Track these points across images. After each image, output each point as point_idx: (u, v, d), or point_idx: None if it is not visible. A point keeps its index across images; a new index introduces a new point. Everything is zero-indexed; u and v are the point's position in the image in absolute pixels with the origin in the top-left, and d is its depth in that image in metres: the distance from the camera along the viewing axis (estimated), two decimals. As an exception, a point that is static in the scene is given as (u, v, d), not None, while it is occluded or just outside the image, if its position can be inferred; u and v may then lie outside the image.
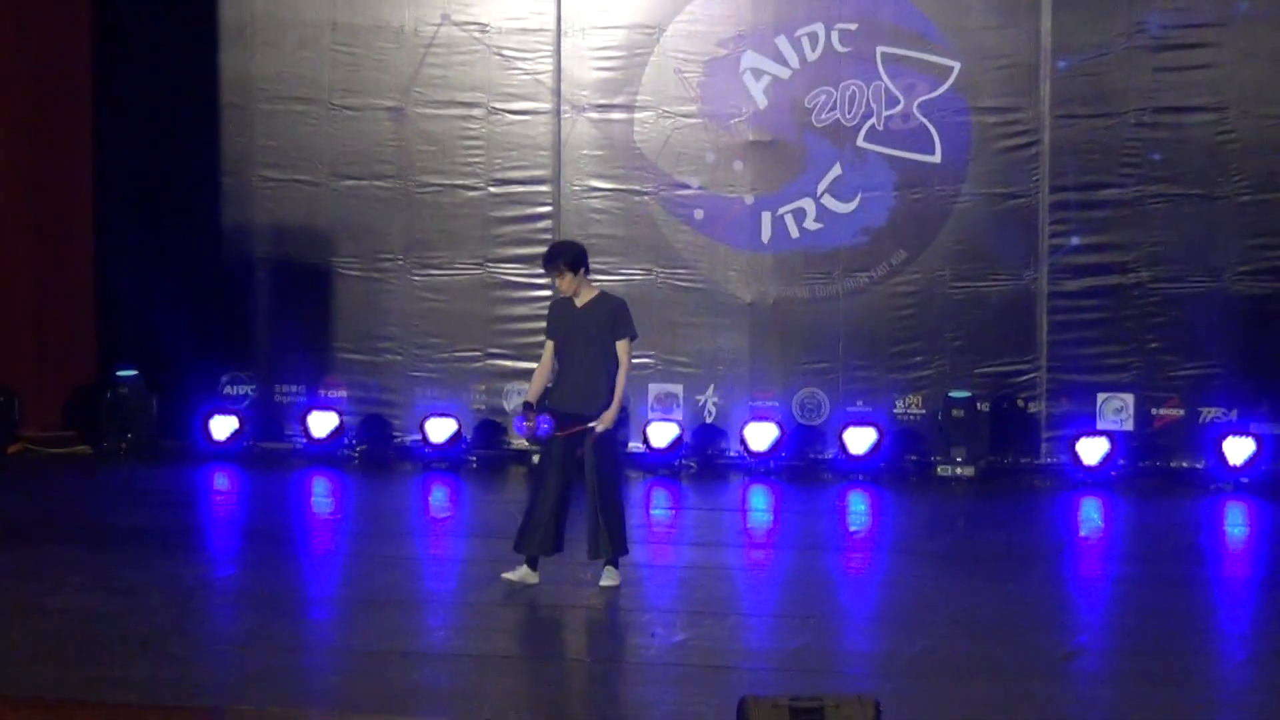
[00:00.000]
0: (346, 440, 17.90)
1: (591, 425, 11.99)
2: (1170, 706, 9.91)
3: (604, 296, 12.31)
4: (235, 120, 18.23)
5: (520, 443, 17.23)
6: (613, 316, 12.13)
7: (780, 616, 12.07)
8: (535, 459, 12.36)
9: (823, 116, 17.32)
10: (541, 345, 12.48)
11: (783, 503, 16.28)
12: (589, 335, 12.08)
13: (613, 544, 12.11)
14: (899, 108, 17.19)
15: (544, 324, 12.51)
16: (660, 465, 17.27)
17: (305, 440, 17.87)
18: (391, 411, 18.06)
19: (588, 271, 12.21)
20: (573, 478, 12.11)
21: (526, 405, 12.16)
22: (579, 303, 12.18)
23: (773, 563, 13.97)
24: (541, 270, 13.56)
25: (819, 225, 17.41)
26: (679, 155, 17.60)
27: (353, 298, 18.10)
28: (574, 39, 17.71)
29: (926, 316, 17.27)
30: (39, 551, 13.40)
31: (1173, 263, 16.82)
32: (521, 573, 12.17)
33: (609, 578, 12.14)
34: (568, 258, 12.13)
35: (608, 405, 12.05)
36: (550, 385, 12.31)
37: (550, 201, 17.81)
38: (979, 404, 16.91)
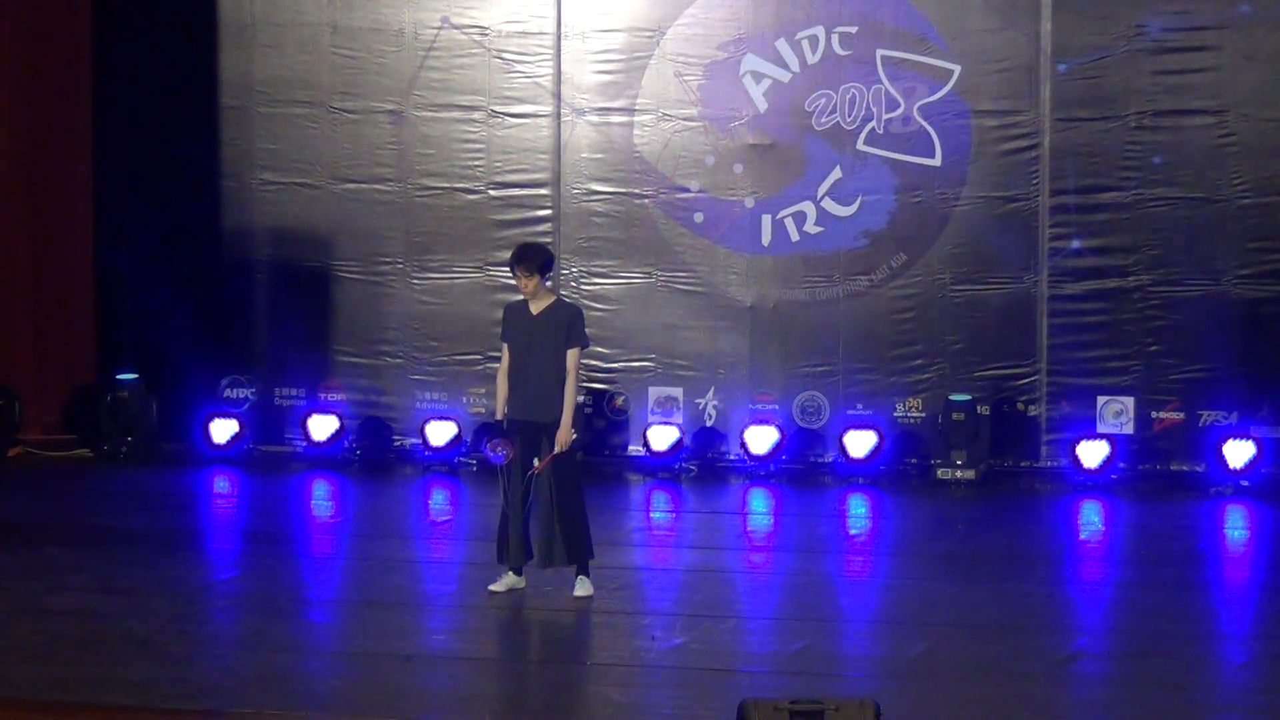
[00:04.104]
0: (346, 443, 17.90)
1: (556, 453, 11.93)
2: (1169, 709, 9.91)
3: (560, 304, 12.29)
4: (235, 123, 18.23)
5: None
6: (568, 324, 12.08)
7: (780, 619, 12.07)
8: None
9: (823, 120, 17.32)
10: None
11: (783, 506, 16.27)
12: (545, 343, 12.00)
13: (572, 552, 12.05)
14: (899, 111, 17.19)
15: None
16: (660, 468, 17.27)
17: (305, 443, 17.87)
18: (391, 415, 18.06)
19: (548, 280, 12.20)
20: (531, 486, 12.08)
21: (495, 430, 12.14)
22: (534, 310, 12.09)
23: (773, 566, 13.97)
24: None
25: (819, 228, 17.40)
26: (679, 158, 17.60)
27: (352, 301, 18.10)
28: (574, 42, 17.72)
29: (927, 320, 17.27)
30: (39, 553, 13.41)
31: (1173, 266, 16.82)
32: (508, 580, 12.19)
33: (582, 588, 12.10)
34: (540, 260, 12.09)
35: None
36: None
37: (550, 205, 17.81)
38: (979, 407, 16.90)
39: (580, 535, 12.08)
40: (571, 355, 12.04)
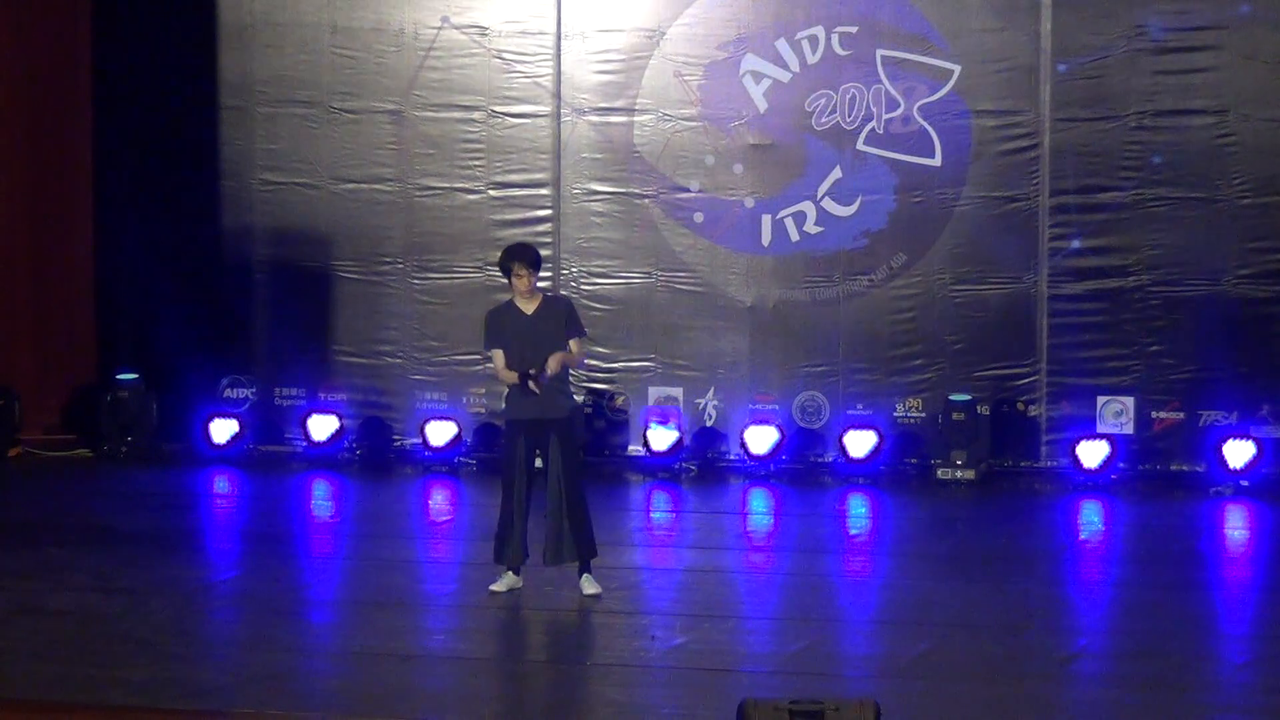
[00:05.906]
0: (346, 443, 17.89)
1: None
2: (1169, 709, 9.91)
3: (551, 299, 12.41)
4: (235, 123, 18.23)
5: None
6: (567, 317, 12.16)
7: (780, 619, 12.07)
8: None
9: (823, 120, 17.32)
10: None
11: (783, 506, 16.27)
12: (549, 340, 12.04)
13: (582, 549, 12.10)
14: (899, 111, 17.19)
15: None
16: (660, 468, 17.26)
17: (305, 443, 17.86)
18: (391, 415, 18.05)
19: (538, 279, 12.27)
20: (533, 485, 12.12)
21: (525, 375, 12.08)
22: (528, 310, 12.13)
23: (773, 566, 13.96)
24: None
25: (819, 228, 17.40)
26: (679, 158, 17.60)
27: (352, 301, 18.10)
28: (574, 42, 17.71)
29: (927, 319, 17.26)
30: (39, 553, 13.42)
31: (1173, 266, 16.81)
32: (507, 580, 12.22)
33: (591, 585, 12.14)
34: (532, 257, 12.14)
35: (570, 409, 12.16)
36: (506, 395, 12.30)
37: (550, 205, 17.81)
38: (979, 407, 16.90)
39: (588, 533, 12.12)
40: (575, 344, 12.13)
